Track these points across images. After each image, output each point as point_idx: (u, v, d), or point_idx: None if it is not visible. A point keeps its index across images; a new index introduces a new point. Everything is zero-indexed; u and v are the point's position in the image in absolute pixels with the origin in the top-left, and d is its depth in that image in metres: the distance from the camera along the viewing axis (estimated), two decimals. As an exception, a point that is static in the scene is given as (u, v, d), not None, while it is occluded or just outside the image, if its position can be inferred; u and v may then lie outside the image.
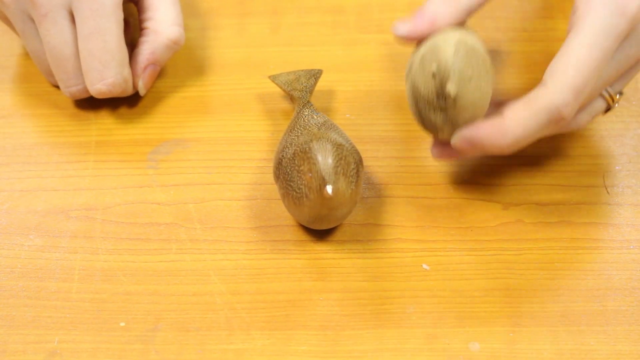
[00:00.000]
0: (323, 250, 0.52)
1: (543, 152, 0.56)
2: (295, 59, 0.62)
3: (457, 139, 0.49)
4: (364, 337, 0.49)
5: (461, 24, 0.51)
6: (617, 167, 0.55)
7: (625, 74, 0.51)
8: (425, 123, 0.50)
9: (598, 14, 0.48)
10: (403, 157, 0.56)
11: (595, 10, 0.48)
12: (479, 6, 0.51)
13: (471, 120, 0.49)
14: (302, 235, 0.53)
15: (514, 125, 0.48)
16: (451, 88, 0.48)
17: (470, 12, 0.51)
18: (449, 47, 0.48)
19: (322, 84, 0.59)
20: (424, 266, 0.51)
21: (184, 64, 0.62)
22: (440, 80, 0.48)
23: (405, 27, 0.51)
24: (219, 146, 0.57)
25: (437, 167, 0.55)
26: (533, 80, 0.59)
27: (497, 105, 0.50)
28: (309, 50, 0.63)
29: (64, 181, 0.56)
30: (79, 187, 0.55)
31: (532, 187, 0.54)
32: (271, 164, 0.55)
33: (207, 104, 0.60)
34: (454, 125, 0.49)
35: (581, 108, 0.50)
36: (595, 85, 0.49)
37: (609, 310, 0.49)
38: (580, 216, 0.53)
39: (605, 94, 0.51)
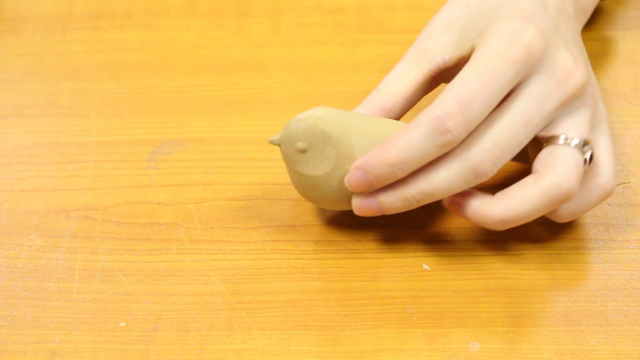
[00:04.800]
0: (323, 250, 0.52)
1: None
2: (295, 59, 0.62)
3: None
4: (364, 337, 0.49)
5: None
6: (617, 167, 0.55)
7: (560, 120, 0.49)
8: None
9: (489, 44, 0.47)
10: (403, 157, 0.56)
11: (487, 42, 0.48)
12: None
13: None
14: (302, 235, 0.53)
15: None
16: None
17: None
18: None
19: (322, 84, 0.60)
20: (424, 266, 0.51)
21: (184, 64, 0.62)
22: None
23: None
24: (219, 146, 0.57)
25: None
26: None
27: None
28: (309, 50, 0.63)
29: (64, 181, 0.56)
30: (80, 187, 0.55)
31: (532, 187, 0.54)
32: (271, 164, 0.55)
33: (207, 104, 0.60)
34: None
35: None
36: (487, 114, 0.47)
37: (609, 310, 0.49)
38: (581, 216, 0.53)
39: (561, 142, 0.48)
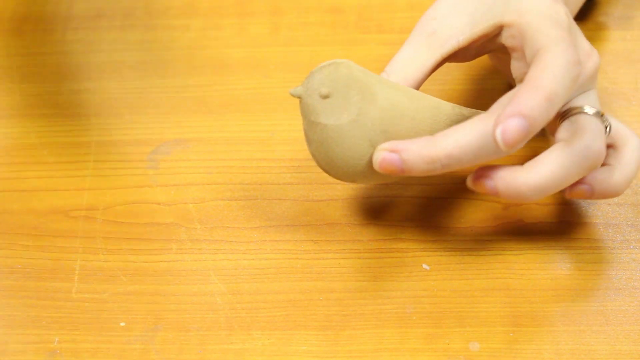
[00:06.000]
0: (323, 250, 0.52)
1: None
2: (295, 59, 0.62)
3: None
4: (364, 337, 0.49)
5: None
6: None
7: (575, 99, 0.50)
8: None
9: (538, 20, 0.47)
10: (403, 157, 0.56)
11: (533, 17, 0.47)
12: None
13: None
14: (302, 235, 0.53)
15: None
16: None
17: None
18: None
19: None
20: (424, 266, 0.51)
21: (184, 64, 0.62)
22: None
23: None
24: (219, 146, 0.57)
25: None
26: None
27: None
28: (309, 50, 0.63)
29: (64, 181, 0.56)
30: (80, 187, 0.55)
31: (532, 187, 0.54)
32: (271, 164, 0.55)
33: (207, 104, 0.60)
34: None
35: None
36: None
37: (609, 310, 0.49)
38: (580, 216, 0.53)
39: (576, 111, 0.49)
